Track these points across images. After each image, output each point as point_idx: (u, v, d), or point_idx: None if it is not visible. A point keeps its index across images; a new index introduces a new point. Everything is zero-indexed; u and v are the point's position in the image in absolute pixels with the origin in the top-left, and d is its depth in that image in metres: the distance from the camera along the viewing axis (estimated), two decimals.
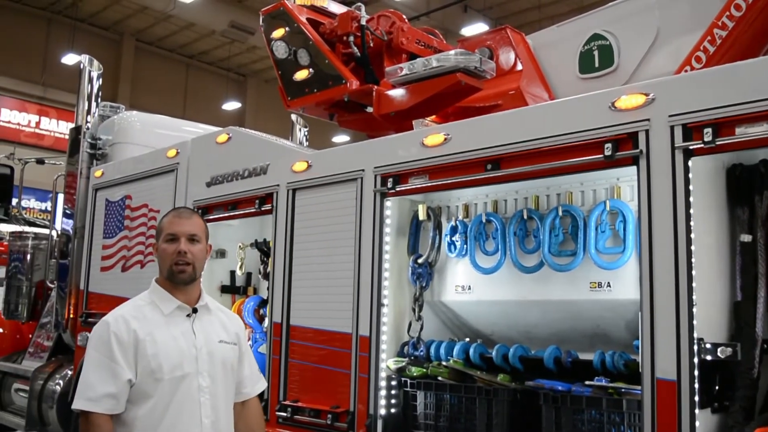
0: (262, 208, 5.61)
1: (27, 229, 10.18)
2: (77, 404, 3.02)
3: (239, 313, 5.91)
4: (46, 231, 9.06)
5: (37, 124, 29.85)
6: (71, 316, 7.41)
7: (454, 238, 4.91)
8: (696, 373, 3.38)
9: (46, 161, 9.96)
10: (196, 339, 3.19)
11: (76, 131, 7.89)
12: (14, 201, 9.12)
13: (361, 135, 6.16)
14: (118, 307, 3.30)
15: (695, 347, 3.39)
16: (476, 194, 4.89)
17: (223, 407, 3.25)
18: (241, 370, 3.42)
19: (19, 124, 29.32)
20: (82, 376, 3.08)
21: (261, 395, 3.70)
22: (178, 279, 3.21)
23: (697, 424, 3.35)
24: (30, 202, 25.40)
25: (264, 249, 6.08)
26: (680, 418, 3.37)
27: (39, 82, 29.13)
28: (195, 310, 3.26)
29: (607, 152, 3.77)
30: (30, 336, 8.71)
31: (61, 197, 8.26)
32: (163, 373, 3.06)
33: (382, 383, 4.66)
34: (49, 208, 15.19)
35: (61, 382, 7.41)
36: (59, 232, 8.15)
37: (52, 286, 8.16)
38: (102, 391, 2.99)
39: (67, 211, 7.88)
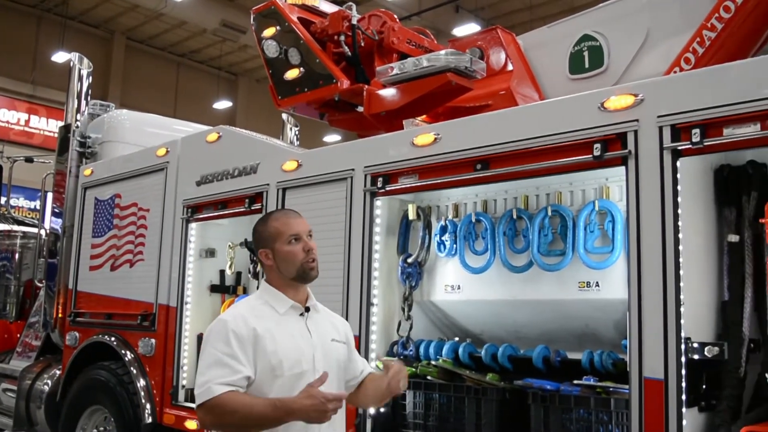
0: (252, 208, 5.59)
1: (15, 228, 10.11)
2: (198, 401, 2.91)
3: None
4: (34, 230, 9.02)
5: (27, 122, 29.72)
6: (60, 315, 7.36)
7: (443, 238, 4.91)
8: (683, 372, 3.40)
9: (35, 159, 9.90)
10: (312, 338, 3.16)
11: (66, 129, 7.84)
12: (3, 200, 9.07)
13: (351, 134, 6.16)
14: (232, 306, 3.31)
15: (683, 346, 3.41)
16: (466, 194, 4.89)
17: None
18: (353, 362, 3.38)
19: (8, 122, 29.20)
20: (198, 377, 2.98)
21: None
22: (310, 277, 3.20)
23: (685, 422, 3.37)
24: (19, 201, 25.28)
25: (254, 248, 6.05)
26: (668, 416, 3.38)
27: (29, 80, 29.00)
28: (308, 309, 3.25)
29: (596, 152, 3.79)
30: (18, 335, 8.67)
31: (50, 196, 8.22)
32: (284, 370, 3.01)
33: None
34: (37, 207, 15.13)
35: (49, 381, 7.36)
36: (48, 231, 8.11)
37: (41, 285, 8.12)
38: (219, 381, 2.90)
39: (56, 210, 7.84)
